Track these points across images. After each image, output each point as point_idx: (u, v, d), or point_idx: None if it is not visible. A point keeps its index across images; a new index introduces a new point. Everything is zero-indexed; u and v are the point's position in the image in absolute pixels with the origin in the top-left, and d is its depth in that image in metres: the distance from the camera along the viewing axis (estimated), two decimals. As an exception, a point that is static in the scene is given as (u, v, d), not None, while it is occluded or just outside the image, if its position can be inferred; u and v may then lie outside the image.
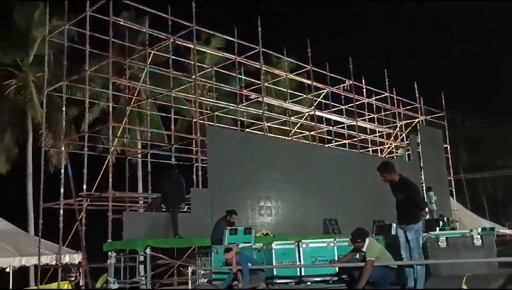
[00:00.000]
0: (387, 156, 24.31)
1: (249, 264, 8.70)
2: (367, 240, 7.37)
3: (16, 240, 15.36)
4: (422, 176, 21.37)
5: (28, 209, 22.18)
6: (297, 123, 21.76)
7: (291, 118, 21.26)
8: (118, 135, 18.03)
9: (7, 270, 15.02)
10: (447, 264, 7.22)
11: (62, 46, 15.90)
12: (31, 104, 22.64)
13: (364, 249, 7.33)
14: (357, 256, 7.60)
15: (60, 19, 17.01)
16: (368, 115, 23.72)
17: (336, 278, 8.35)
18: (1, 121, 23.11)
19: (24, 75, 23.21)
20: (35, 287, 14.53)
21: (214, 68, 20.20)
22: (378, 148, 25.25)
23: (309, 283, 8.45)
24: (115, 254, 11.78)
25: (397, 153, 25.05)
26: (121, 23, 15.64)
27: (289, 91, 20.84)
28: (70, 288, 14.54)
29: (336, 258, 8.35)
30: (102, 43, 15.10)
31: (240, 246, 9.43)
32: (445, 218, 17.64)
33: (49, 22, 16.55)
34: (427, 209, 18.80)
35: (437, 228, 13.78)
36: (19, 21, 23.11)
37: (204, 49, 18.61)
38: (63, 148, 15.61)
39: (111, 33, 13.87)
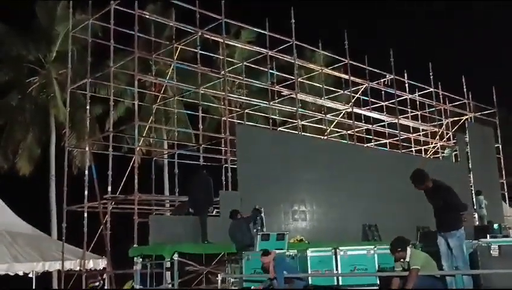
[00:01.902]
0: (432, 157, 23.90)
1: (285, 273, 8.70)
2: (408, 250, 7.36)
3: (38, 244, 15.69)
4: (471, 179, 20.93)
5: (51, 212, 22.75)
6: (334, 121, 21.63)
7: (327, 115, 21.16)
8: (144, 135, 18.29)
9: (30, 275, 15.44)
10: (499, 274, 7.06)
11: (86, 42, 16.27)
12: (53, 103, 23.25)
13: (407, 259, 7.31)
14: (398, 267, 7.55)
15: (83, 14, 17.40)
16: (411, 112, 23.39)
17: (377, 288, 8.30)
18: (23, 119, 23.79)
19: (47, 72, 23.85)
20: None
21: (244, 63, 20.28)
22: (422, 148, 24.85)
23: (347, 293, 8.42)
24: (141, 259, 11.97)
25: (443, 153, 24.59)
26: (147, 16, 15.88)
27: (324, 87, 20.80)
28: None
29: (376, 267, 8.33)
30: (126, 38, 15.37)
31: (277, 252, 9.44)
32: (495, 224, 17.24)
33: (72, 17, 16.92)
34: (474, 214, 18.51)
35: (488, 235, 13.47)
36: (41, 16, 23.73)
37: (233, 43, 18.71)
38: (87, 149, 15.91)
39: (136, 27, 14.10)
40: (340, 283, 8.47)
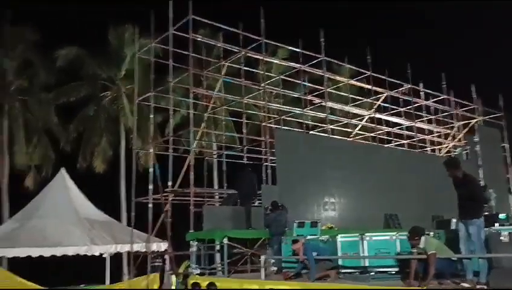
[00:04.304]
0: (444, 155, 23.27)
1: (315, 254, 8.68)
2: (423, 238, 7.28)
3: (111, 229, 16.00)
4: (480, 174, 20.25)
5: (121, 203, 23.33)
6: (358, 125, 21.36)
7: (353, 120, 20.91)
8: (197, 138, 18.48)
9: (104, 256, 15.84)
10: (508, 258, 6.85)
11: (149, 62, 16.53)
12: (123, 113, 23.84)
13: (421, 246, 7.22)
14: (414, 252, 7.42)
15: (146, 38, 17.71)
16: (426, 116, 22.85)
17: (397, 269, 8.18)
18: (98, 127, 24.47)
19: (117, 88, 24.51)
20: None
21: (281, 76, 20.27)
22: (436, 147, 24.24)
23: (372, 273, 8.32)
24: (196, 243, 12.12)
25: (455, 152, 23.91)
26: (199, 39, 16.03)
27: (350, 95, 20.58)
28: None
29: (398, 250, 8.21)
30: (182, 58, 15.53)
31: (307, 238, 9.42)
32: (501, 214, 16.60)
33: (137, 41, 17.29)
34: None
35: (496, 224, 13.01)
36: (113, 41, 24.40)
37: (271, 60, 18.73)
38: (150, 150, 16.19)
39: (191, 48, 14.24)
40: (367, 264, 8.39)
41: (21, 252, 13.38)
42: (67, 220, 14.81)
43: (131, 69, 21.43)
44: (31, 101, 23.49)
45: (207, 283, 8.88)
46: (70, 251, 14.13)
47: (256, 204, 14.37)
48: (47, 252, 13.60)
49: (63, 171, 16.87)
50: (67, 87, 24.21)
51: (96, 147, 24.32)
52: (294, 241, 9.18)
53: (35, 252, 13.44)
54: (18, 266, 15.52)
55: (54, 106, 23.90)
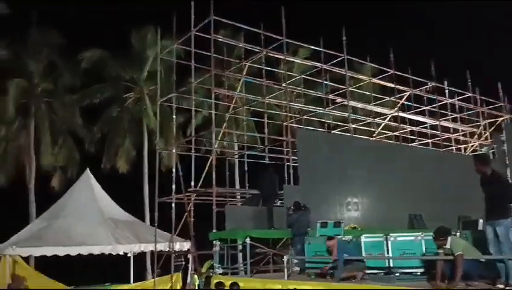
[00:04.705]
0: (470, 154, 22.78)
1: (345, 255, 8.61)
2: (450, 238, 7.13)
3: (135, 229, 16.21)
4: (508, 173, 19.75)
5: (145, 203, 23.59)
6: (381, 124, 21.12)
7: (375, 119, 20.68)
8: (219, 138, 18.56)
9: (128, 255, 16.04)
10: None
11: (171, 63, 16.68)
12: (146, 113, 24.13)
13: (448, 246, 7.08)
14: (441, 253, 7.29)
15: (168, 40, 17.87)
16: (451, 114, 22.43)
17: (423, 271, 8.05)
18: (122, 128, 24.82)
19: (140, 89, 24.81)
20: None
21: (302, 76, 20.20)
22: (462, 146, 23.74)
23: (397, 274, 8.21)
24: (218, 242, 12.16)
25: (481, 151, 23.38)
26: (220, 40, 16.08)
27: (372, 94, 20.37)
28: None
29: (423, 251, 8.09)
30: (203, 58, 15.61)
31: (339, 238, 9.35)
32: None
33: (159, 43, 17.45)
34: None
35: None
36: (135, 43, 24.71)
37: (293, 59, 18.68)
38: (173, 151, 16.28)
39: (212, 49, 14.28)
40: (391, 265, 8.28)
41: (48, 251, 13.67)
42: (92, 220, 15.06)
43: (154, 71, 21.69)
44: (56, 103, 23.98)
45: (230, 282, 8.91)
46: (96, 250, 14.37)
47: (278, 204, 14.34)
48: (73, 251, 13.85)
49: (87, 172, 17.17)
50: (91, 89, 24.65)
51: (119, 148, 24.67)
52: (330, 238, 9.12)
53: (62, 251, 13.71)
54: (44, 264, 15.89)
55: (78, 107, 24.34)
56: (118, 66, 24.62)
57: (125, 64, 24.83)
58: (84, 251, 14.09)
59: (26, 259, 15.28)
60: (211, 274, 11.84)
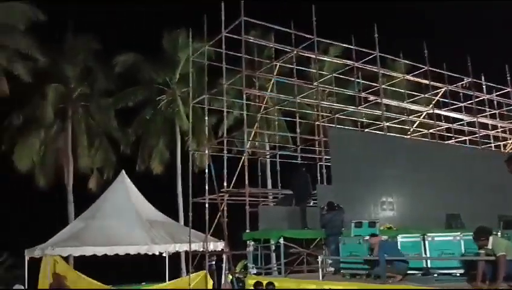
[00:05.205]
0: (510, 151, 22.00)
1: (385, 256, 8.46)
2: (491, 238, 6.94)
3: (170, 229, 16.47)
4: (552, 171, 18.97)
5: (179, 204, 23.92)
6: (416, 122, 20.68)
7: (410, 117, 20.28)
8: (250, 139, 18.60)
9: (163, 255, 16.32)
10: None
11: (202, 65, 16.78)
12: (178, 115, 24.48)
13: (489, 247, 6.88)
14: (482, 251, 7.08)
15: (199, 42, 18.04)
16: (489, 110, 21.74)
17: (463, 271, 7.84)
18: (155, 130, 25.28)
19: (172, 91, 25.20)
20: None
21: (334, 74, 20.01)
22: (501, 143, 22.97)
23: (435, 275, 8.03)
24: (252, 242, 12.20)
25: (520, 148, 22.56)
26: (251, 40, 16.10)
27: (406, 92, 19.98)
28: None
29: (462, 251, 7.88)
30: (234, 59, 15.65)
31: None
32: None
33: (191, 45, 17.63)
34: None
35: None
36: (167, 46, 25.12)
37: (324, 58, 18.53)
38: (206, 151, 16.39)
39: (243, 50, 14.33)
40: (429, 266, 8.11)
41: (87, 250, 14.05)
42: (128, 220, 15.39)
43: (186, 73, 21.98)
44: (92, 106, 24.66)
45: (266, 282, 8.93)
46: (132, 250, 14.70)
47: (311, 204, 14.25)
48: (111, 250, 14.20)
49: (123, 173, 17.57)
50: (125, 92, 25.22)
51: (153, 149, 25.14)
52: (373, 235, 8.99)
53: (100, 251, 14.07)
54: (82, 264, 16.33)
55: (113, 110, 24.94)
56: (150, 69, 25.11)
57: (158, 67, 25.29)
58: (121, 250, 14.41)
59: (66, 259, 15.73)
60: (240, 276, 11.87)
